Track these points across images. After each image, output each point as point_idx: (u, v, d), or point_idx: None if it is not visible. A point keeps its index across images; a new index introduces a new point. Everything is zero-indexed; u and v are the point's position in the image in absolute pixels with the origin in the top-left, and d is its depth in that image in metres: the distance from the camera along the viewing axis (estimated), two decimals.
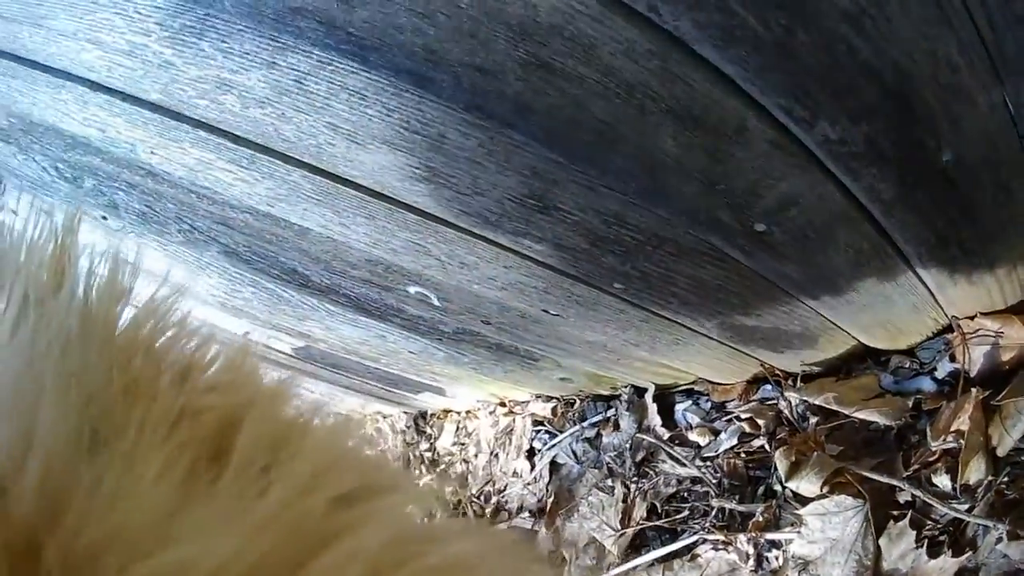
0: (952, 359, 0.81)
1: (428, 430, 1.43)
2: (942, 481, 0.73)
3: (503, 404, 1.20)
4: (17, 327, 0.26)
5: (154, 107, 0.66)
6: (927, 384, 0.83)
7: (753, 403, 0.86)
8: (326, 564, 0.23)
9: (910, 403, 0.80)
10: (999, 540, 0.66)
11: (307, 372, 1.21)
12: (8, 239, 0.31)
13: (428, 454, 1.40)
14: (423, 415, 1.49)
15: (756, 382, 0.87)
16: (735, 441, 0.85)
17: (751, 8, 0.43)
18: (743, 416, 0.85)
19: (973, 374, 0.80)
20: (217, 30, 0.54)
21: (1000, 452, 0.73)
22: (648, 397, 0.96)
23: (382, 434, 1.52)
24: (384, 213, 0.64)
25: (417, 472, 1.37)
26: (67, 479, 0.20)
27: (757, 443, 0.83)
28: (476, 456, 1.25)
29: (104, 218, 0.99)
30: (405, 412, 1.53)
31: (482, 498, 1.24)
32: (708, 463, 0.86)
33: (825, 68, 0.46)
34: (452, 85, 0.49)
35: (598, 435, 1.01)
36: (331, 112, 0.56)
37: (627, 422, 0.95)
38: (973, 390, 0.76)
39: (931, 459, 0.77)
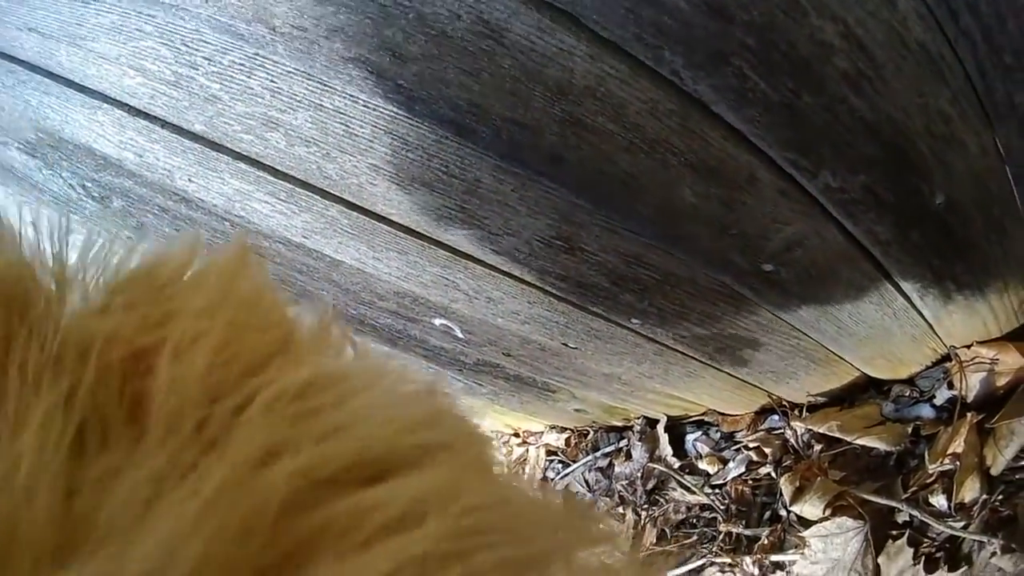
0: (950, 386, 0.86)
1: None
2: (939, 501, 0.77)
3: (517, 435, 1.23)
4: None
5: (196, 137, 0.69)
6: (926, 411, 0.87)
7: (761, 432, 0.90)
8: None
9: (909, 429, 0.84)
10: (993, 554, 0.70)
11: None
12: None
13: None
14: None
15: (764, 412, 0.91)
16: (743, 469, 0.89)
17: (763, 75, 0.48)
18: (751, 445, 0.89)
19: (970, 400, 0.84)
20: (267, 69, 0.57)
21: (994, 472, 0.77)
22: (660, 428, 0.99)
23: None
24: (417, 249, 0.68)
25: None
26: None
27: (764, 470, 0.87)
28: None
29: (130, 238, 1.02)
30: None
31: None
32: (717, 490, 0.89)
33: (827, 125, 0.51)
34: (492, 136, 0.54)
35: (610, 464, 1.04)
36: (374, 154, 0.61)
37: (639, 452, 0.99)
38: (968, 414, 0.80)
39: (928, 481, 0.81)
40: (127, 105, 0.70)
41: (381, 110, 0.56)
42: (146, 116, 0.70)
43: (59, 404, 0.17)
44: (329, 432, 0.19)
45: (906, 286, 0.68)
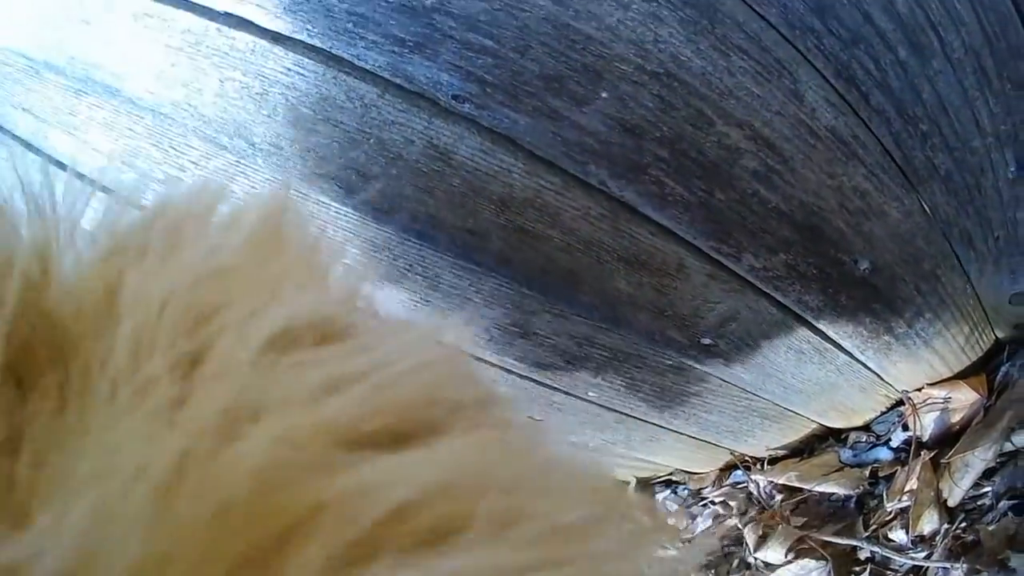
0: (905, 428, 0.90)
1: None
2: (898, 536, 0.81)
3: None
4: None
5: None
6: (884, 454, 0.91)
7: (726, 487, 0.94)
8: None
9: (867, 472, 0.88)
10: None
11: None
12: None
13: None
14: None
15: (728, 469, 0.96)
16: (710, 523, 0.93)
17: (678, 180, 0.54)
18: (717, 500, 0.93)
19: (926, 439, 0.89)
20: (247, 176, 0.62)
21: (951, 503, 0.81)
22: (630, 490, 1.03)
23: None
24: None
25: None
26: None
27: (730, 522, 0.91)
28: None
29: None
30: None
31: None
32: (686, 544, 0.93)
33: (742, 216, 0.57)
34: (447, 241, 0.60)
35: None
36: (347, 255, 0.66)
37: None
38: (923, 452, 0.85)
39: (887, 519, 0.85)
40: (123, 197, 0.74)
41: (350, 217, 0.61)
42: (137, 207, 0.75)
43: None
44: (328, 385, 0.16)
45: (845, 344, 0.73)
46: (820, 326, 0.70)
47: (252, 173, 0.62)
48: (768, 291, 0.64)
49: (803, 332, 0.70)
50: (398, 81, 0.52)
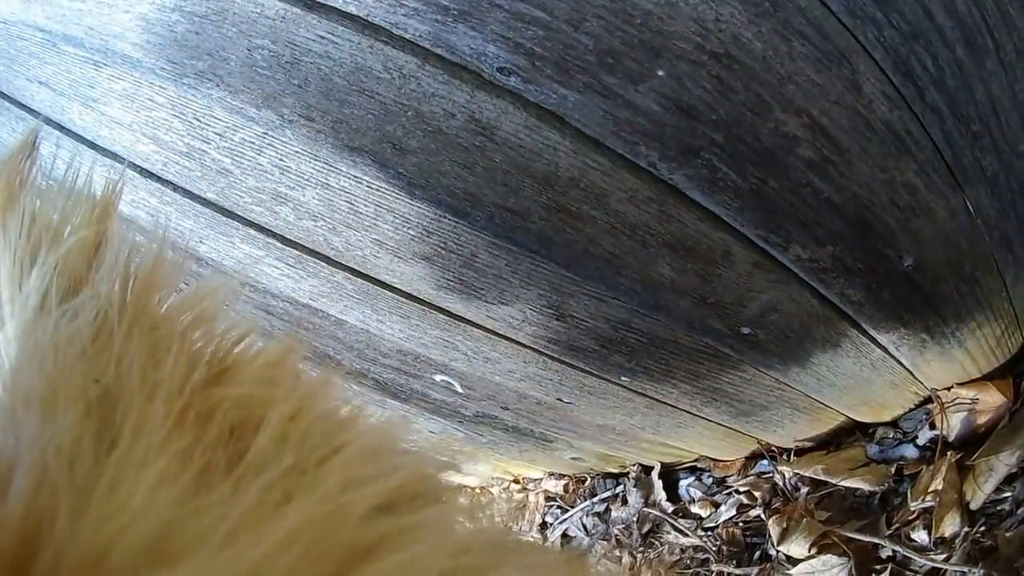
0: (932, 427, 0.89)
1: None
2: (920, 536, 0.80)
3: (517, 481, 1.26)
4: (45, 299, 0.24)
5: (208, 203, 0.71)
6: (910, 451, 0.90)
7: (751, 477, 0.93)
8: None
9: (893, 470, 0.87)
10: None
11: None
12: (45, 194, 0.28)
13: None
14: None
15: (753, 458, 0.95)
16: (734, 512, 0.92)
17: (731, 165, 0.52)
18: (741, 489, 0.93)
19: (952, 439, 0.88)
20: (276, 149, 0.61)
21: (974, 506, 0.81)
22: (654, 474, 1.03)
23: None
24: (418, 313, 0.72)
25: None
26: (62, 486, 0.18)
27: (754, 513, 0.90)
28: None
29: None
30: None
31: None
32: (709, 532, 0.93)
33: (794, 206, 0.56)
34: (485, 219, 0.58)
35: (607, 510, 1.08)
36: (377, 231, 0.65)
37: (635, 497, 1.03)
38: (948, 453, 0.84)
39: (911, 518, 0.84)
40: (140, 168, 0.71)
41: (383, 191, 0.60)
42: (159, 179, 0.71)
43: (186, 449, 0.21)
44: (387, 471, 0.25)
45: (882, 339, 0.72)
46: (860, 321, 0.69)
47: (280, 145, 0.60)
48: (812, 283, 0.63)
49: (843, 326, 0.69)
50: (439, 51, 0.50)
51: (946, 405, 0.88)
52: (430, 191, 0.58)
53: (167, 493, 0.19)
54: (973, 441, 0.86)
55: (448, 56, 0.50)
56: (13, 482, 0.17)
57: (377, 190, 0.60)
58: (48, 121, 0.73)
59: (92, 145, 0.71)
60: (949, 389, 0.88)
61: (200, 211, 0.73)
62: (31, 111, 0.74)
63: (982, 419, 0.87)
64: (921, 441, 0.90)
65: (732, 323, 0.64)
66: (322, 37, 0.52)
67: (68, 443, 0.19)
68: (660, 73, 0.48)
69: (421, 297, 0.70)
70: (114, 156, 0.71)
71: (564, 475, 1.18)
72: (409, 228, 0.63)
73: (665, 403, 0.76)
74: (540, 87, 0.50)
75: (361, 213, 0.64)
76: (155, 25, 0.56)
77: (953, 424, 0.88)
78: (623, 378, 0.72)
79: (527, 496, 1.21)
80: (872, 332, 0.71)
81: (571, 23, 0.47)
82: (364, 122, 0.56)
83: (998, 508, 0.81)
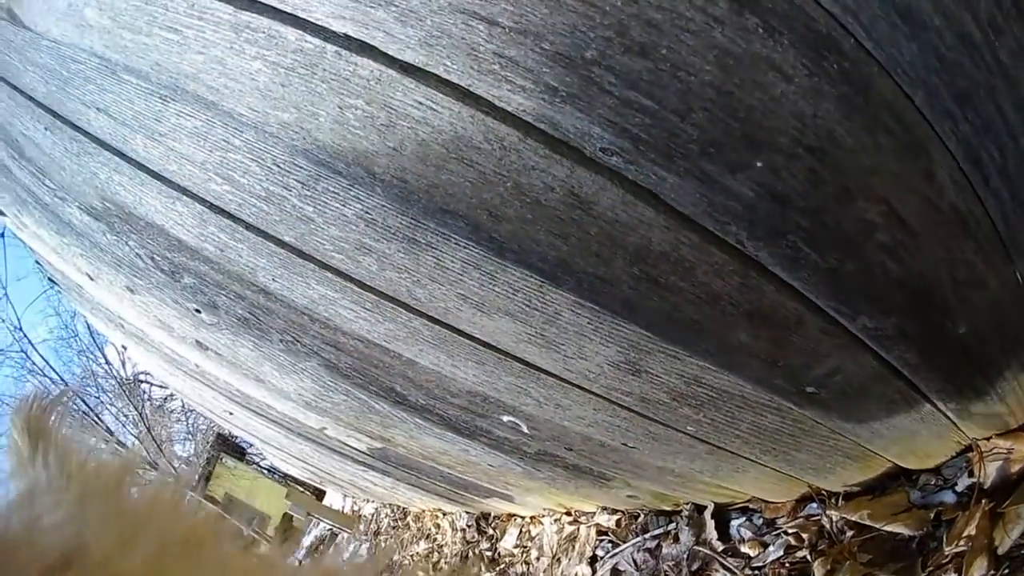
0: (970, 475, 0.93)
1: (490, 531, 1.51)
2: None
3: (569, 513, 1.30)
4: None
5: (285, 245, 0.72)
6: (949, 497, 0.94)
7: (800, 519, 0.97)
8: None
9: (932, 515, 0.91)
10: None
11: (378, 470, 1.30)
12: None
13: (489, 553, 1.48)
14: (485, 516, 1.56)
15: (803, 500, 0.99)
16: (781, 553, 0.96)
17: (814, 247, 0.56)
18: (790, 530, 0.97)
19: (987, 486, 0.91)
20: (362, 202, 0.62)
21: (1001, 551, 0.84)
22: (707, 514, 1.07)
23: (441, 530, 1.59)
24: (494, 361, 0.76)
25: (476, 570, 1.43)
26: None
27: (800, 554, 0.94)
28: (538, 559, 1.34)
29: (197, 311, 1.04)
30: (467, 511, 1.60)
31: None
32: (756, 572, 0.96)
33: (865, 283, 0.60)
34: (574, 283, 0.62)
35: (658, 546, 1.11)
36: (463, 286, 0.68)
37: (686, 535, 1.06)
38: (983, 501, 0.88)
39: (944, 562, 0.88)
40: (212, 205, 0.72)
41: (471, 250, 0.63)
42: (232, 217, 0.72)
43: None
44: None
45: (932, 397, 0.76)
46: (915, 381, 0.72)
47: (367, 199, 0.62)
48: (874, 347, 0.67)
49: (898, 385, 0.72)
50: (542, 127, 0.53)
51: (984, 454, 0.91)
52: (521, 255, 0.61)
53: None
54: (1006, 489, 0.90)
55: (551, 132, 0.53)
56: None
57: (465, 248, 0.63)
58: (106, 146, 0.74)
59: (158, 176, 0.72)
60: (988, 439, 0.91)
61: (275, 251, 0.74)
62: (87, 135, 0.75)
63: (1016, 468, 0.90)
64: (959, 488, 0.93)
65: (798, 383, 0.68)
66: (420, 103, 0.53)
67: None
68: (758, 164, 0.52)
69: (500, 347, 0.74)
70: (183, 190, 0.72)
71: (617, 510, 1.21)
72: (495, 286, 0.66)
73: (726, 450, 0.80)
74: (640, 168, 0.54)
75: (447, 269, 0.66)
76: (233, 71, 0.56)
77: (989, 472, 0.91)
78: (688, 428, 0.76)
79: (578, 528, 1.24)
80: (924, 390, 0.74)
81: (678, 113, 0.51)
82: (460, 188, 0.58)
83: (1022, 552, 0.84)
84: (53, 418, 0.41)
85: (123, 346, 1.34)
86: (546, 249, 0.60)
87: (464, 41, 0.49)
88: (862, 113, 0.52)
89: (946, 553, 0.87)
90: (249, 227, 0.72)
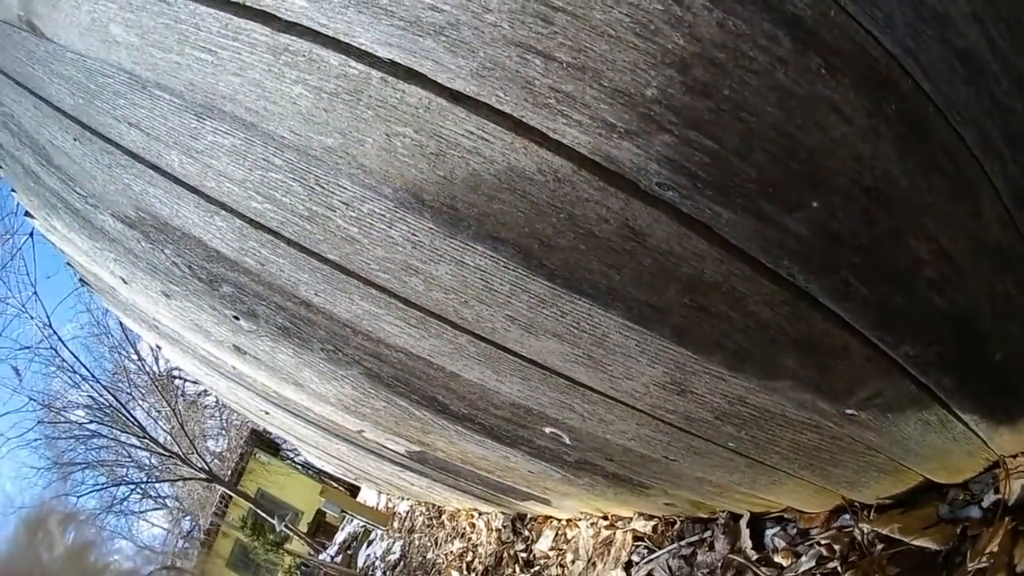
0: (996, 491, 0.95)
1: (526, 532, 1.54)
2: None
3: (606, 518, 1.32)
4: None
5: (328, 262, 0.73)
6: (975, 512, 0.96)
7: (832, 530, 0.99)
8: None
9: (959, 530, 0.93)
10: None
11: (415, 471, 1.33)
12: None
13: (523, 555, 1.51)
14: (521, 517, 1.58)
15: (837, 511, 1.01)
16: (813, 564, 0.98)
17: (864, 282, 0.58)
18: (823, 542, 0.99)
19: (1011, 503, 0.93)
20: (408, 224, 0.63)
21: (1019, 569, 0.86)
22: (743, 523, 1.09)
23: (476, 529, 1.61)
24: (539, 377, 0.78)
25: (510, 571, 1.45)
26: None
27: (831, 565, 0.96)
28: (573, 563, 1.36)
29: (236, 318, 1.06)
30: (503, 512, 1.62)
31: None
32: None
33: (911, 315, 0.62)
34: (624, 310, 0.64)
35: (694, 553, 1.14)
36: (511, 308, 0.69)
37: (721, 544, 1.09)
38: (1006, 519, 0.90)
39: None
40: (252, 220, 0.72)
41: (521, 273, 0.64)
42: (273, 233, 0.72)
43: None
44: None
45: (965, 418, 0.78)
46: (951, 403, 0.74)
47: (414, 222, 0.62)
48: (914, 373, 0.69)
49: (935, 407, 0.74)
50: (597, 159, 0.53)
51: (1011, 471, 0.93)
52: (572, 282, 0.63)
53: None
54: None
55: (606, 165, 0.53)
56: None
57: (514, 270, 0.64)
58: (139, 159, 0.74)
59: (196, 191, 0.73)
60: (1015, 457, 0.93)
61: (317, 267, 0.75)
62: (120, 147, 0.75)
63: None
64: (986, 504, 0.95)
65: (839, 405, 0.70)
66: (471, 132, 0.53)
67: None
68: (815, 204, 0.54)
69: (547, 365, 0.76)
70: (221, 205, 0.72)
71: (654, 516, 1.23)
72: (544, 308, 0.68)
73: (765, 464, 0.82)
74: (696, 203, 0.55)
75: (496, 291, 0.67)
76: (273, 94, 0.56)
77: (1014, 489, 0.93)
78: (730, 444, 0.78)
79: (615, 533, 1.27)
80: (958, 412, 0.76)
81: (738, 154, 0.52)
82: (512, 218, 0.58)
83: None
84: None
85: (157, 345, 1.35)
86: (598, 278, 0.62)
87: (519, 74, 0.49)
88: (917, 154, 0.53)
89: (969, 569, 0.90)
90: (291, 243, 0.73)
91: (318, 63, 0.52)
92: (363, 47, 0.50)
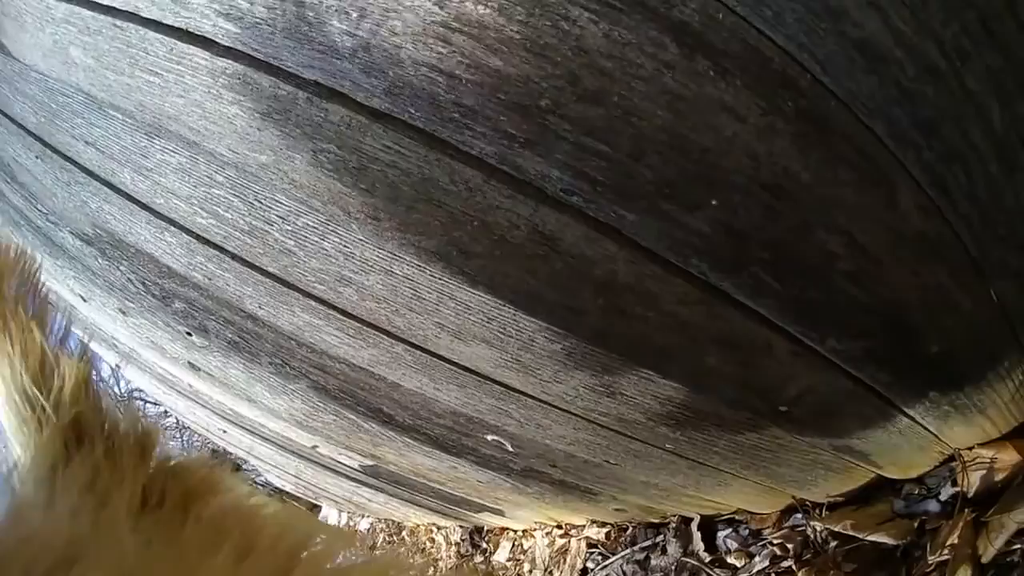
0: (954, 484, 0.94)
1: (484, 544, 1.54)
2: None
3: (560, 526, 1.32)
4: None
5: (269, 275, 0.74)
6: (932, 506, 0.95)
7: (785, 530, 0.98)
8: None
9: (916, 524, 0.92)
10: None
11: (371, 486, 1.32)
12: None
13: (483, 567, 1.51)
14: (479, 530, 1.58)
15: (788, 511, 1.00)
16: (767, 563, 0.97)
17: (776, 277, 0.57)
18: (775, 541, 0.98)
19: (971, 495, 0.92)
20: (340, 236, 0.64)
21: (984, 560, 0.86)
22: (694, 525, 1.08)
23: (435, 544, 1.61)
24: (475, 384, 0.78)
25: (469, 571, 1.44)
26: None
27: (785, 564, 0.95)
28: (531, 572, 1.36)
29: (188, 334, 1.06)
30: (461, 526, 1.62)
31: None
32: None
33: (831, 309, 0.61)
34: (546, 313, 0.63)
35: (647, 558, 1.13)
36: (439, 315, 0.69)
37: (674, 547, 1.08)
38: (966, 510, 0.89)
39: (928, 570, 0.89)
40: (199, 236, 0.74)
41: (447, 280, 0.64)
42: (218, 248, 0.74)
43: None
44: None
45: (909, 411, 0.77)
46: (890, 397, 0.73)
47: (344, 234, 0.63)
48: (846, 367, 0.68)
49: (873, 401, 0.73)
50: (505, 168, 0.54)
51: (967, 464, 0.92)
52: (492, 288, 0.63)
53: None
54: (990, 497, 0.91)
55: (514, 173, 0.54)
56: None
57: (440, 279, 0.64)
58: (95, 176, 0.76)
59: (146, 208, 0.74)
60: (971, 449, 0.92)
61: (260, 280, 0.76)
62: (78, 165, 0.77)
63: (999, 476, 0.91)
64: (943, 497, 0.94)
65: (771, 403, 0.69)
66: (388, 147, 0.55)
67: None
68: (714, 202, 0.53)
69: (479, 371, 0.75)
70: (171, 221, 0.74)
71: (606, 523, 1.23)
72: (470, 315, 0.68)
73: (707, 465, 0.81)
74: (600, 207, 0.55)
75: (424, 299, 0.68)
76: (212, 115, 0.58)
77: (973, 481, 0.92)
78: (668, 445, 0.77)
79: (569, 541, 1.26)
80: (901, 406, 0.75)
81: (633, 156, 0.52)
82: (431, 227, 0.59)
83: (1007, 559, 0.85)
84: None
85: (117, 365, 1.35)
86: (516, 283, 0.62)
87: (425, 91, 0.51)
88: (820, 148, 0.53)
89: (930, 562, 0.88)
90: (235, 257, 0.74)
91: (252, 85, 0.54)
92: (290, 70, 0.53)
